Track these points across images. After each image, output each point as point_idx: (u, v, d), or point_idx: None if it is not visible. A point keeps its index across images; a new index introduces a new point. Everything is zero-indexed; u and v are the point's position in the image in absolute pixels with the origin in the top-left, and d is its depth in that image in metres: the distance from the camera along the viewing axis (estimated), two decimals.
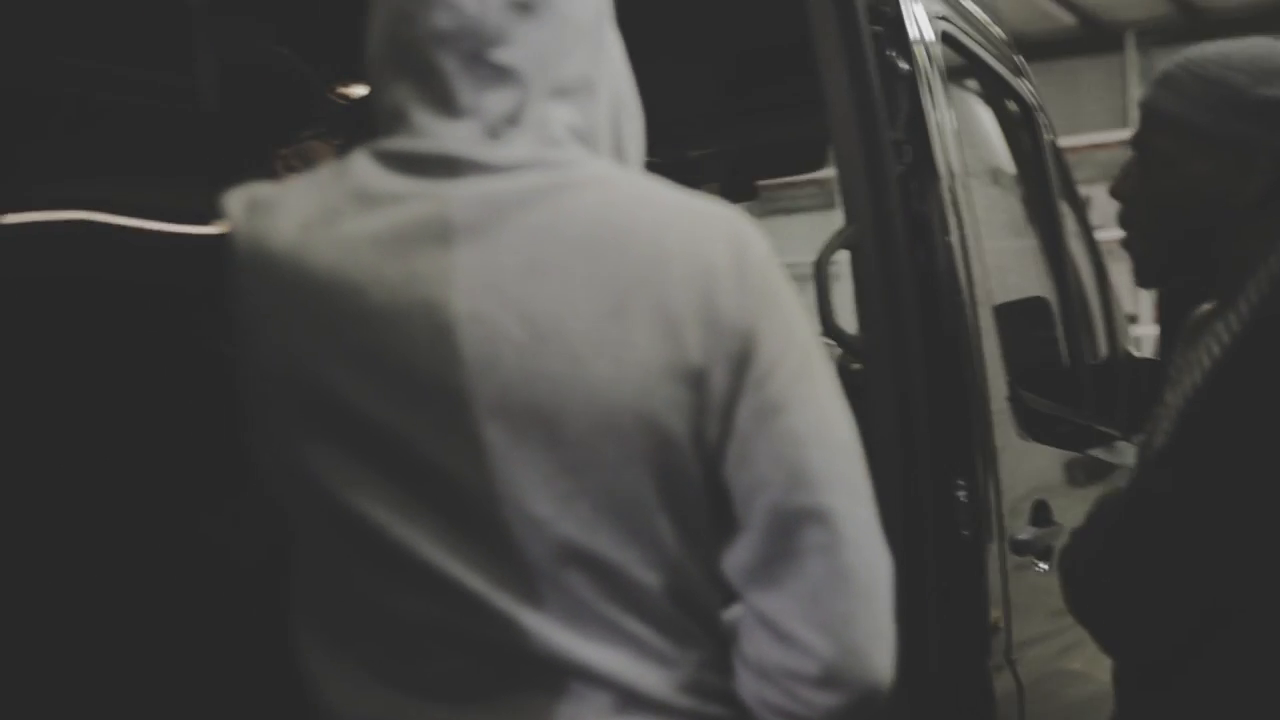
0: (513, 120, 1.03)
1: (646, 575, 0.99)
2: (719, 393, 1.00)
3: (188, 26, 1.49)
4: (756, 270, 1.02)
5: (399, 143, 1.04)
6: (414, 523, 0.98)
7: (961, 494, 2.17)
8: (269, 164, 1.94)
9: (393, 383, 0.98)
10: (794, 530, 1.00)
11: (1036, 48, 10.75)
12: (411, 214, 1.00)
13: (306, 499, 1.01)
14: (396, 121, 1.06)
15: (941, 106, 2.27)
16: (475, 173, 1.01)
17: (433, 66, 1.03)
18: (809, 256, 2.23)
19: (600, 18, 1.10)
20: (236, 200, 1.04)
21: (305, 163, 1.96)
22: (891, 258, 2.10)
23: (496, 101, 1.03)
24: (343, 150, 2.12)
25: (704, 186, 3.70)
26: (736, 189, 3.54)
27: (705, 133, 3.41)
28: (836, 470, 1.01)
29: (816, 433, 1.01)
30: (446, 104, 1.03)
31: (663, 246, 1.00)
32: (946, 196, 2.20)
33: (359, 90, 2.26)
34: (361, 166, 1.04)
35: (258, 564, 1.04)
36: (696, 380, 0.99)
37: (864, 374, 2.18)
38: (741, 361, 1.00)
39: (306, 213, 1.02)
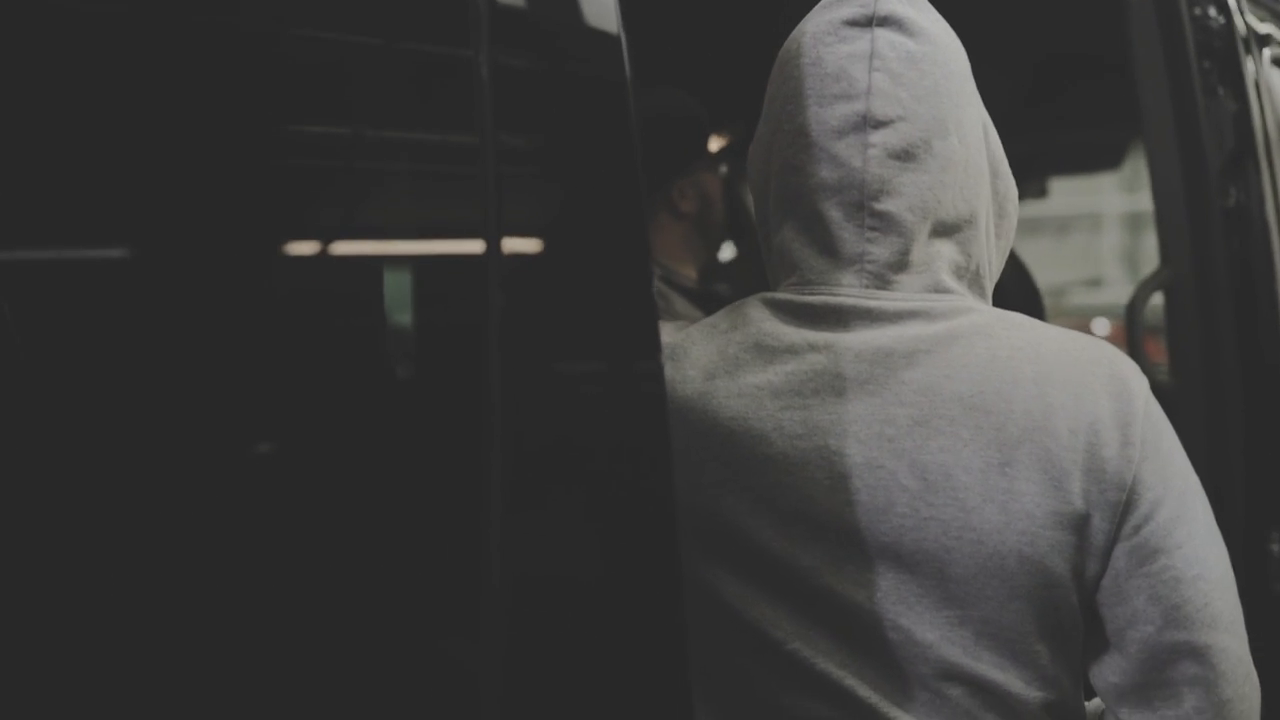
0: (898, 266, 1.07)
1: (1025, 691, 1.05)
2: (1099, 536, 1.04)
3: None
4: (1139, 420, 1.05)
5: (791, 294, 1.10)
6: (810, 640, 1.05)
7: (1275, 547, 2.08)
8: (667, 192, 2.09)
9: (791, 520, 1.05)
10: (1169, 664, 1.05)
11: None
12: (808, 367, 1.06)
13: (711, 611, 1.09)
14: (786, 264, 1.11)
15: (1275, 139, 2.13)
16: (865, 321, 1.06)
17: (819, 215, 1.08)
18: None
19: (979, 145, 1.11)
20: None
21: (697, 190, 2.12)
22: (1212, 305, 2.01)
23: (881, 250, 1.07)
24: (727, 179, 2.27)
25: None
26: (1028, 188, 3.45)
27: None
28: (1213, 607, 1.05)
29: (1193, 572, 1.05)
30: (833, 251, 1.08)
31: (1046, 401, 1.03)
32: (1277, 238, 2.07)
33: (741, 129, 2.39)
34: (758, 317, 1.10)
35: None
36: (1078, 526, 1.03)
37: (1175, 422, 2.09)
38: (1123, 508, 1.04)
39: (711, 362, 1.09)
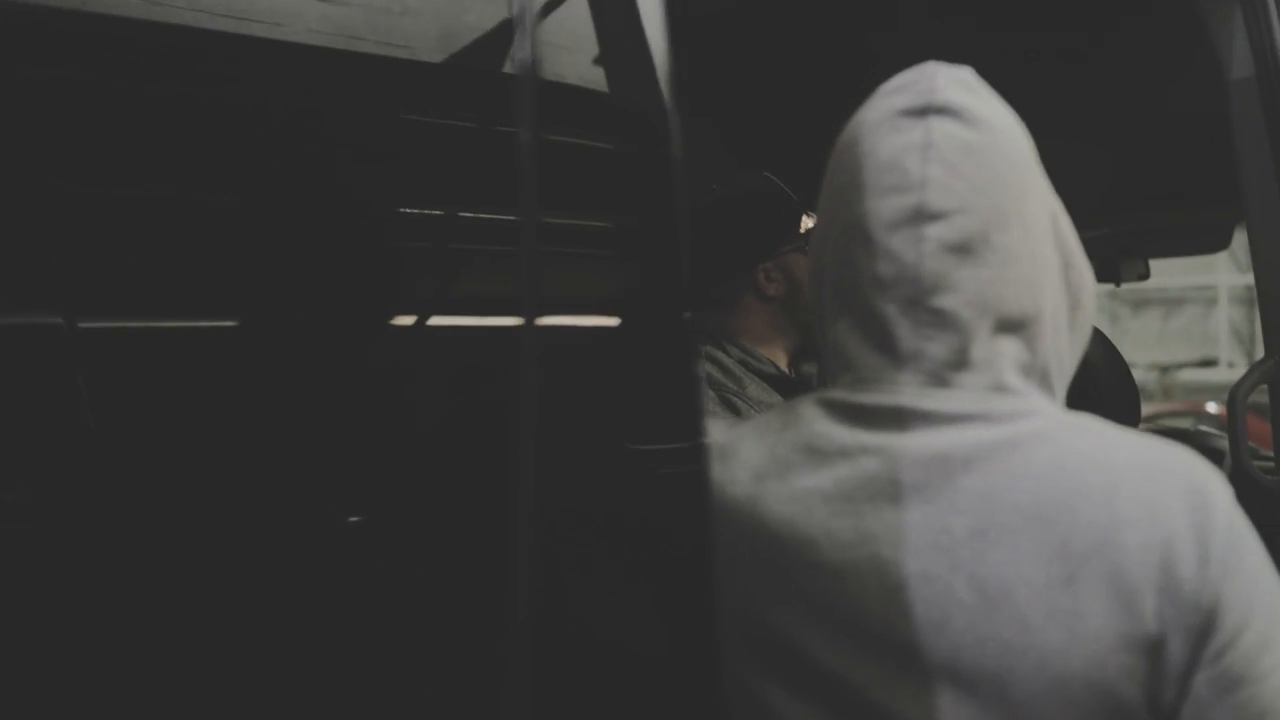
0: (957, 365, 1.01)
1: None
2: (1176, 662, 0.95)
3: None
4: (1219, 536, 0.96)
5: (844, 393, 1.04)
6: None
7: None
8: (753, 275, 2.07)
9: (843, 632, 0.99)
10: None
11: None
12: (860, 471, 1.00)
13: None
14: (841, 362, 1.06)
15: None
16: (921, 424, 1.00)
17: (873, 311, 1.03)
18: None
19: (1044, 237, 1.05)
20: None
21: (784, 273, 2.08)
22: None
23: (938, 347, 1.01)
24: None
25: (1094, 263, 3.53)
26: (1129, 269, 3.35)
27: (1099, 212, 3.24)
28: None
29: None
30: (889, 349, 1.03)
31: (1115, 512, 0.96)
32: None
33: None
34: (810, 416, 1.05)
35: None
36: (1152, 650, 0.95)
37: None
38: (1202, 633, 0.95)
39: (760, 463, 1.05)
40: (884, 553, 0.98)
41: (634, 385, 0.90)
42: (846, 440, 1.02)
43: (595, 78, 0.89)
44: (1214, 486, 0.98)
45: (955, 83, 1.05)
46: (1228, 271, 14.08)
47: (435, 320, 0.84)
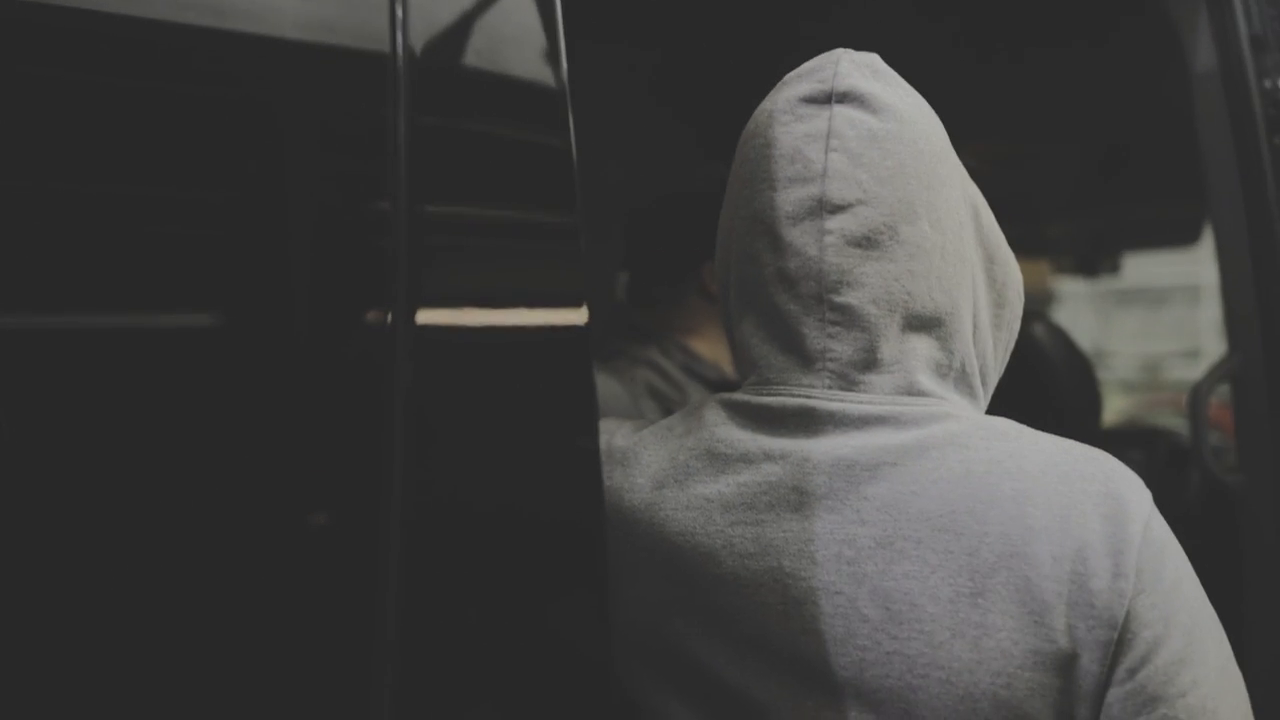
0: (866, 365, 0.96)
1: None
2: (1088, 680, 0.90)
3: None
4: (1135, 547, 0.91)
5: (749, 395, 0.99)
6: None
7: None
8: (698, 274, 2.00)
9: (744, 647, 0.95)
10: None
11: None
12: (763, 478, 0.96)
13: None
14: (747, 362, 1.01)
15: None
16: (828, 426, 0.95)
17: (778, 309, 0.97)
18: None
19: (959, 230, 1.00)
20: (602, 442, 1.02)
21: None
22: None
23: (845, 346, 0.96)
24: None
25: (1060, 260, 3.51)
26: (1097, 265, 3.33)
27: (1067, 209, 3.21)
28: None
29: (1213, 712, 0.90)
30: (794, 348, 0.97)
31: (1026, 522, 0.91)
32: None
33: None
34: (713, 420, 1.00)
35: None
36: (1063, 667, 0.90)
37: (1242, 519, 1.96)
38: (1115, 649, 0.90)
39: (661, 469, 1.00)
40: (786, 564, 0.93)
41: (527, 379, 0.85)
42: (749, 445, 0.97)
43: (488, 60, 0.84)
44: (1132, 494, 0.93)
45: (860, 68, 0.99)
46: (1213, 265, 14.10)
47: (309, 313, 0.79)
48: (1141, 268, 3.42)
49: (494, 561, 0.82)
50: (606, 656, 0.87)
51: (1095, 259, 3.34)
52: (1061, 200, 3.13)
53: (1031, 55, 2.63)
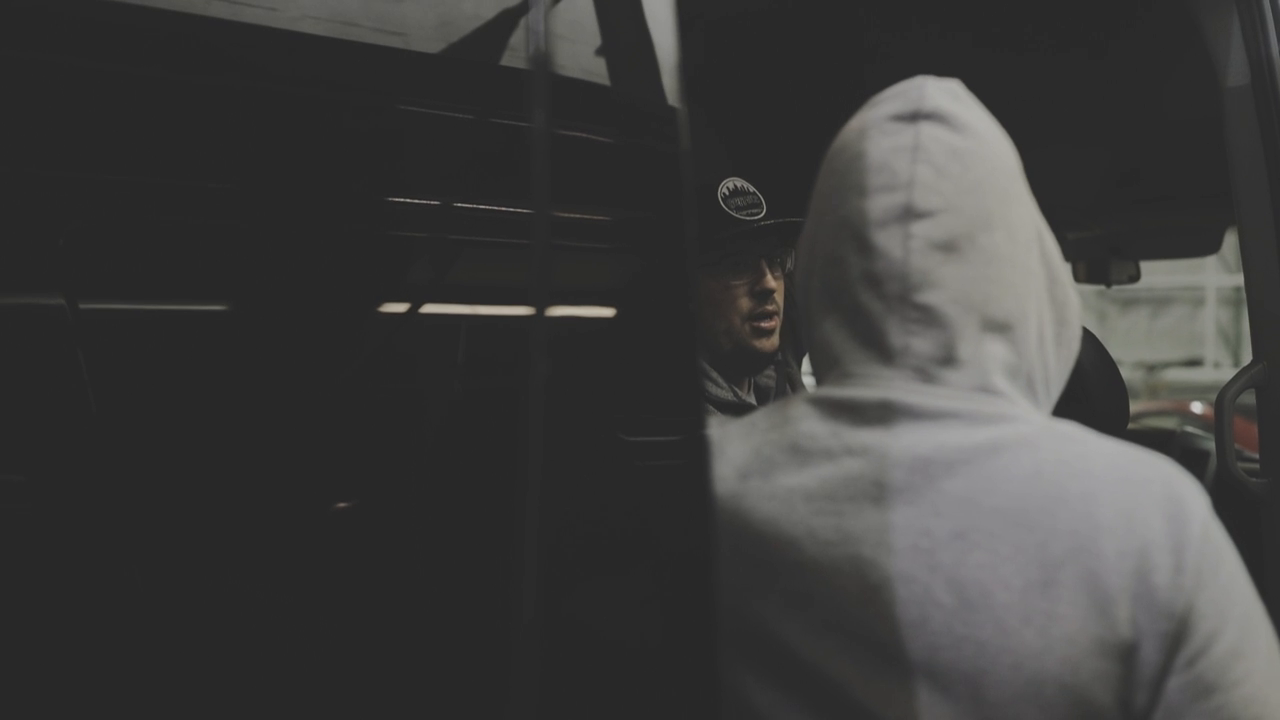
0: (945, 361, 1.03)
1: None
2: (1149, 668, 0.97)
3: None
4: (1195, 545, 0.98)
5: (831, 389, 1.06)
6: None
7: None
8: None
9: (821, 628, 1.01)
10: None
11: None
12: (843, 472, 1.02)
13: (739, 712, 1.05)
14: (829, 359, 1.08)
15: None
16: (907, 420, 1.02)
17: (861, 308, 1.05)
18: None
19: (1029, 245, 1.08)
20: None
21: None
22: None
23: (925, 344, 1.03)
24: None
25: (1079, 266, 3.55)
26: (1119, 271, 3.38)
27: (1091, 214, 3.25)
28: None
29: (1251, 713, 0.97)
30: (876, 344, 1.05)
31: (1094, 520, 0.98)
32: None
33: None
34: (797, 415, 1.07)
35: None
36: (1125, 655, 0.97)
37: (1263, 521, 2.01)
38: (1175, 640, 0.97)
39: (746, 461, 1.07)
40: (865, 552, 1.00)
41: (634, 378, 0.91)
42: (831, 441, 1.04)
43: (600, 70, 0.89)
44: (1191, 496, 1.00)
45: (943, 92, 1.09)
46: (1215, 272, 14.14)
47: (442, 310, 0.85)
48: (1145, 272, 3.46)
49: (610, 554, 0.87)
50: (713, 650, 0.92)
51: (1111, 266, 3.38)
52: (1080, 207, 3.17)
53: (1056, 62, 2.68)
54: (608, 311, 0.91)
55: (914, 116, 1.06)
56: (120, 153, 0.72)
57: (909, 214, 1.03)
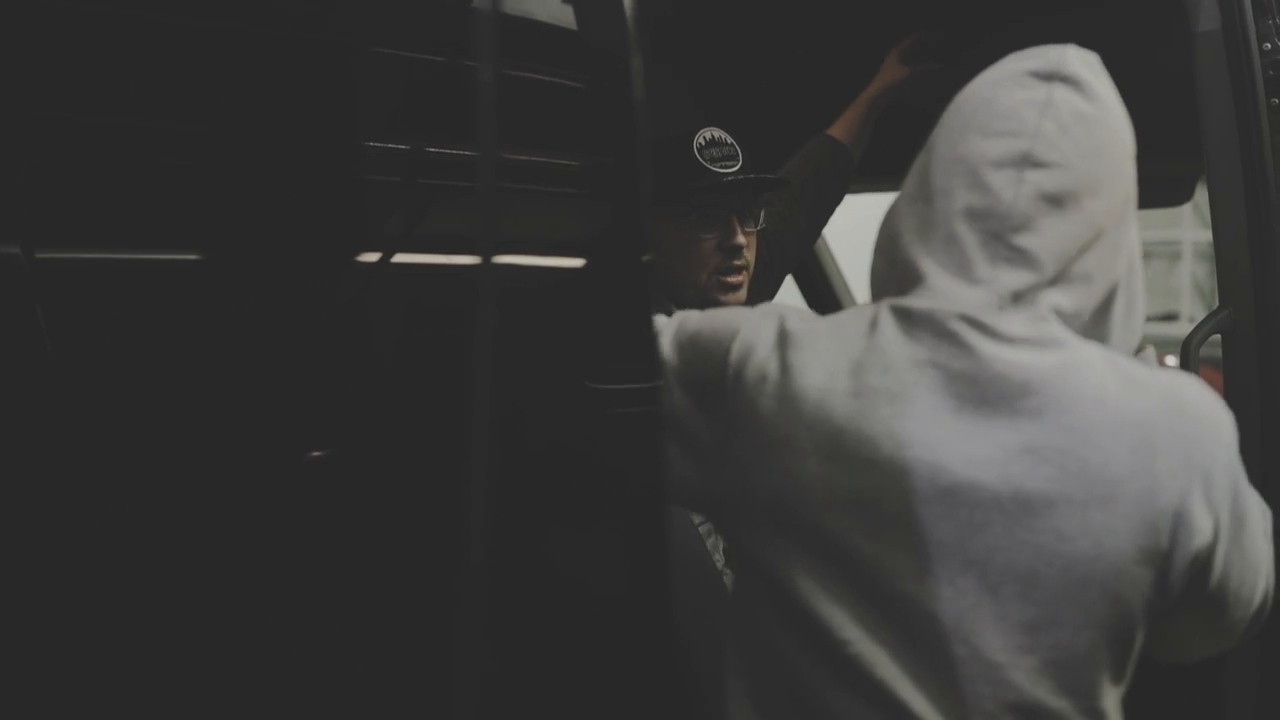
0: (1021, 300, 1.10)
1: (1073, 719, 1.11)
2: (1175, 574, 1.10)
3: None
4: (1230, 470, 1.11)
5: (918, 301, 1.12)
6: (875, 642, 1.10)
7: None
8: None
9: (885, 524, 1.09)
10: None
11: None
12: (927, 380, 1.09)
13: (776, 600, 1.12)
14: (910, 278, 1.13)
15: None
16: (984, 339, 1.09)
17: (955, 237, 1.11)
18: None
19: (1122, 223, 1.14)
20: (772, 323, 1.17)
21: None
22: (1273, 350, 1.93)
23: (1010, 278, 1.10)
24: None
25: None
26: None
27: None
28: (1257, 610, 1.20)
29: (1242, 591, 1.16)
30: (961, 273, 1.11)
31: (1152, 443, 1.08)
32: None
33: None
34: (883, 321, 1.13)
35: None
36: (1161, 564, 1.09)
37: None
38: (1199, 552, 1.10)
39: (834, 359, 1.13)
40: (938, 459, 1.08)
41: (591, 325, 0.90)
42: (913, 351, 1.10)
43: (554, 12, 0.88)
44: (1226, 422, 1.13)
45: (1082, 61, 1.16)
46: (1192, 227, 14.17)
47: (393, 257, 0.84)
48: None
49: (567, 499, 0.87)
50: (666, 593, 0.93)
51: None
52: None
53: (1024, 8, 2.66)
54: (559, 259, 0.90)
55: (1050, 76, 1.13)
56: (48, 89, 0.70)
57: (1026, 160, 1.10)
